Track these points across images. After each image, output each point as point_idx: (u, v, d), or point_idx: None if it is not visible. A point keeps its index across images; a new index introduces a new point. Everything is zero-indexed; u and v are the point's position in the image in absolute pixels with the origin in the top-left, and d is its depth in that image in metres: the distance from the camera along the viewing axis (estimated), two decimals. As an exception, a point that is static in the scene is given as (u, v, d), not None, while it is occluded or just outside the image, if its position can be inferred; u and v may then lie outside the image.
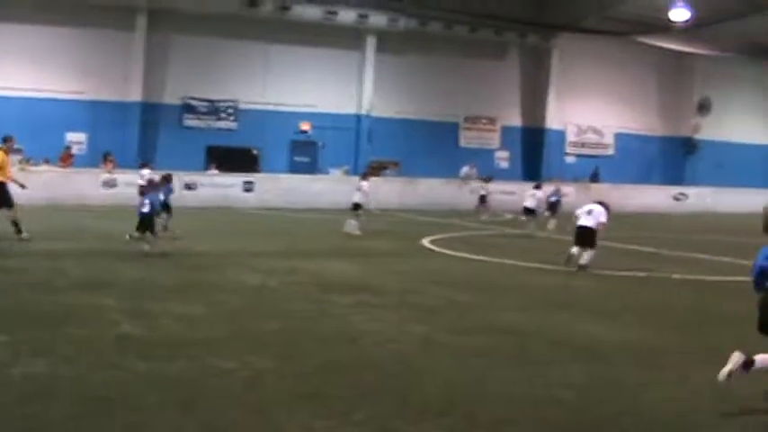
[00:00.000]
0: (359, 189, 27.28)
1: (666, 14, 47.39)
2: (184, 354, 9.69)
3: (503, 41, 51.32)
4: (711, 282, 18.81)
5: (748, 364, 8.16)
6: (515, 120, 54.02)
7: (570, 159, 55.18)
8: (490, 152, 52.74)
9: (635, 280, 18.60)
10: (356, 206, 26.96)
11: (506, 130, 53.54)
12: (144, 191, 21.46)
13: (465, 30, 48.70)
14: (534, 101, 53.89)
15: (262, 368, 9.18)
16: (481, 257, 21.40)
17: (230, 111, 45.63)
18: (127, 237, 19.52)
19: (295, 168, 46.09)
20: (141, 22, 43.08)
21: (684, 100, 59.50)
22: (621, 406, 8.31)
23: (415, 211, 38.76)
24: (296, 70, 46.25)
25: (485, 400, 8.26)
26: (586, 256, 19.46)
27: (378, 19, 46.56)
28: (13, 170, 22.92)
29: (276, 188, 41.42)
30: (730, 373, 8.16)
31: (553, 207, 33.20)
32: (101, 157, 40.17)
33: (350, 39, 47.21)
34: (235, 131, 45.75)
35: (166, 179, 23.92)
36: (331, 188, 41.44)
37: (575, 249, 19.69)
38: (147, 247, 19.09)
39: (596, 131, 56.59)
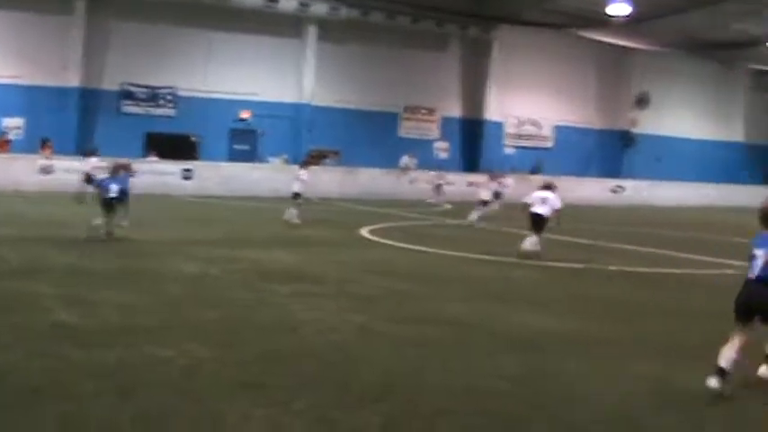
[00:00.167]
0: (298, 178, 27.21)
1: (606, 8, 47.74)
2: (122, 342, 9.61)
3: (444, 33, 51.42)
4: (647, 273, 19.03)
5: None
6: (455, 111, 54.18)
7: (509, 151, 55.48)
8: (429, 142, 52.88)
9: (573, 271, 18.77)
10: (296, 195, 26.90)
11: (446, 121, 53.70)
12: (108, 176, 21.06)
13: (407, 20, 48.73)
14: (474, 92, 54.09)
15: (201, 357, 9.15)
16: (420, 248, 21.46)
17: (170, 98, 45.33)
18: (93, 223, 19.42)
19: (234, 156, 45.90)
20: (80, 6, 42.60)
21: (623, 94, 60.04)
22: (559, 396, 8.39)
23: (354, 201, 38.77)
24: (237, 58, 46.04)
25: (423, 390, 8.30)
26: (534, 241, 20.06)
27: (319, 8, 46.44)
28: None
29: (215, 176, 41.26)
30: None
31: (497, 196, 33.97)
32: (38, 142, 39.73)
33: (291, 27, 47.05)
34: (174, 119, 45.45)
35: (125, 167, 23.39)
36: (270, 176, 41.34)
37: (531, 237, 20.26)
38: (102, 231, 19.14)
39: (535, 124, 56.95)
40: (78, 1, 42.53)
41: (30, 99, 41.83)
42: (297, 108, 47.97)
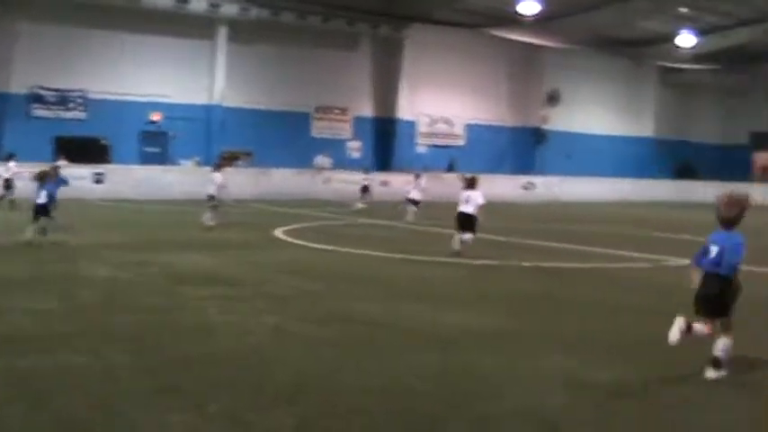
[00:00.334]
0: (212, 181, 27.05)
1: (516, 7, 48.19)
2: (35, 348, 9.53)
3: (355, 32, 51.52)
4: (560, 269, 19.23)
5: (689, 328, 9.13)
6: (367, 110, 54.32)
7: (421, 149, 55.72)
8: (342, 142, 52.96)
9: (487, 268, 18.90)
10: (210, 198, 26.74)
11: (358, 121, 53.81)
12: (40, 182, 20.73)
13: (318, 20, 48.75)
14: (386, 91, 54.27)
15: (116, 362, 9.10)
16: (334, 247, 21.48)
17: (80, 101, 44.88)
18: (28, 234, 19.33)
19: (146, 159, 45.57)
20: (-13, 9, 42.06)
21: (534, 91, 60.68)
22: (475, 393, 8.46)
23: (268, 202, 38.69)
24: (148, 60, 45.71)
25: (338, 390, 8.34)
26: (467, 238, 20.38)
27: (229, 8, 46.27)
28: None
29: (127, 179, 40.93)
30: (681, 334, 9.06)
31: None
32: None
33: (202, 28, 46.81)
34: (85, 122, 45.00)
35: (50, 174, 22.85)
36: (182, 179, 41.15)
37: (456, 239, 20.53)
38: (34, 235, 19.11)
39: (447, 122, 57.28)
40: (-15, 4, 41.97)
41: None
42: (208, 110, 47.75)
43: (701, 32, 55.41)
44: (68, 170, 39.21)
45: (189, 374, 8.75)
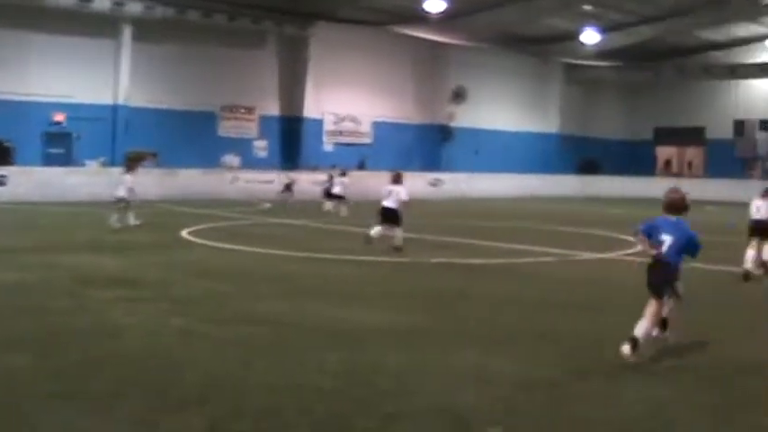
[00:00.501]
0: (123, 183, 26.65)
1: (422, 5, 48.34)
2: (-66, 355, 9.36)
3: (261, 30, 51.23)
4: (467, 264, 19.35)
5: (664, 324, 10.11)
6: (273, 109, 54.07)
7: (328, 148, 55.65)
8: (249, 141, 52.66)
9: (394, 265, 18.96)
10: (120, 200, 26.38)
11: (264, 120, 53.54)
12: None
13: (223, 18, 48.36)
14: (292, 90, 54.09)
15: (18, 366, 8.96)
16: (241, 247, 21.38)
17: (-20, 102, 44.04)
18: None
19: (50, 161, 44.80)
20: None
21: (440, 88, 60.92)
22: (382, 389, 8.50)
23: (174, 202, 38.34)
24: (51, 59, 44.91)
25: (246, 390, 8.31)
26: (398, 233, 20.94)
27: (134, 7, 45.67)
28: None
29: (30, 181, 40.20)
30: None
31: (328, 192, 36.88)
32: None
33: (105, 27, 46.10)
34: (-14, 123, 44.15)
35: None
36: (87, 181, 40.60)
37: (375, 230, 21.13)
38: None
39: (354, 120, 57.26)
40: None
41: None
42: (113, 110, 47.13)
43: (605, 30, 56.10)
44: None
45: (95, 378, 8.63)
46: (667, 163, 72.03)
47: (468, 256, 20.67)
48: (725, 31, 60.88)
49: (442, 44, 57.36)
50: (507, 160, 61.38)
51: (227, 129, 51.89)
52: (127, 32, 46.67)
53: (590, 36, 56.26)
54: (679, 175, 69.57)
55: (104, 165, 44.22)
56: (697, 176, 67.30)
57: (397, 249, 20.63)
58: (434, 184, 54.55)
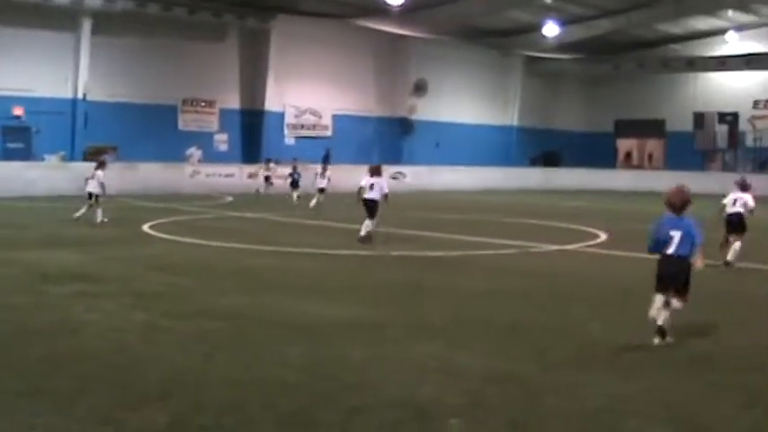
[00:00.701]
0: (93, 177, 26.40)
1: (383, -3, 48.30)
2: None
3: (222, 23, 50.99)
4: (429, 257, 19.39)
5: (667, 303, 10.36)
6: (234, 102, 53.85)
7: (290, 141, 55.51)
8: (209, 135, 52.43)
9: (356, 258, 18.96)
10: (91, 195, 26.19)
11: (225, 113, 53.30)
12: None
13: (184, 11, 48.06)
14: (253, 83, 53.91)
15: (-24, 364, 8.89)
16: (202, 241, 21.31)
17: (-64, 97, 43.59)
18: None
19: (8, 155, 44.42)
20: None
21: (401, 81, 60.87)
22: (345, 382, 8.48)
23: (134, 196, 38.13)
24: (9, 53, 44.43)
25: (209, 385, 8.28)
26: (369, 225, 21.57)
27: (93, 0, 45.38)
28: None
29: (-12, 176, 39.88)
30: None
31: (294, 184, 38.05)
32: None
33: (65, 20, 45.71)
34: (-58, 119, 43.74)
35: None
36: (47, 175, 40.34)
37: (366, 225, 21.71)
38: None
39: (315, 113, 57.14)
40: None
41: None
42: (72, 103, 46.78)
43: (566, 23, 56.27)
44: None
45: (55, 375, 8.56)
46: (628, 155, 72.35)
47: (430, 249, 20.70)
48: (684, 24, 61.23)
49: (403, 37, 57.32)
50: (468, 153, 61.41)
51: (187, 122, 51.62)
52: (86, 26, 46.26)
53: (551, 29, 56.38)
54: (639, 167, 70.09)
55: (64, 159, 43.91)
56: (657, 168, 67.76)
57: (363, 241, 21.04)
58: (396, 177, 54.53)
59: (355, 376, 8.72)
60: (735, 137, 65.03)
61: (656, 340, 10.26)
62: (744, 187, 18.74)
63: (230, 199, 38.95)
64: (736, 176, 21.61)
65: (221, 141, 53.06)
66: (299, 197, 36.75)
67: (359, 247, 20.28)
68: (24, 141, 45.04)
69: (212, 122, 52.79)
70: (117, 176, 41.34)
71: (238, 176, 46.94)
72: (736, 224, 18.12)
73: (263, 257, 18.87)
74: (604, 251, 20.98)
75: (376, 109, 60.29)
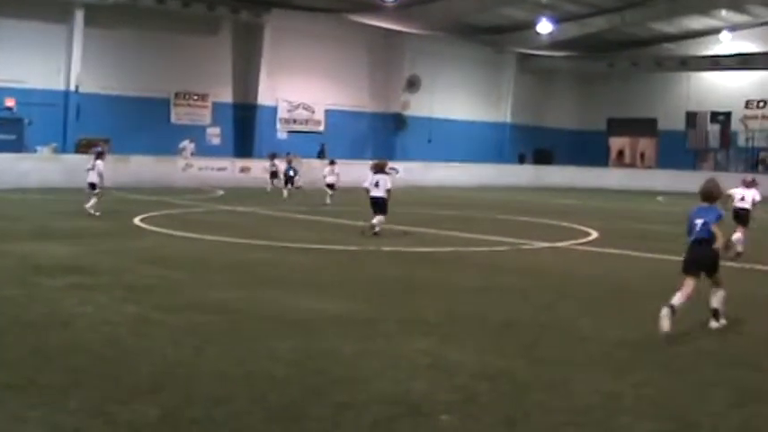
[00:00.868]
0: (93, 168, 26.37)
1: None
2: None
3: (216, 16, 50.97)
4: (420, 253, 19.40)
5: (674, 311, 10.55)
6: (227, 96, 53.83)
7: (282, 136, 55.50)
8: (202, 128, 52.40)
9: (347, 254, 18.97)
10: (92, 186, 26.18)
11: (218, 107, 53.28)
12: None
13: (177, 4, 47.99)
14: (246, 77, 53.88)
15: (-33, 356, 8.87)
16: (193, 235, 21.28)
17: (-72, 88, 43.49)
18: None
19: (0, 147, 44.35)
20: None
21: (394, 77, 60.88)
22: (336, 377, 8.47)
23: (126, 189, 38.00)
24: (1, 44, 44.43)
25: (199, 378, 8.28)
26: (377, 221, 21.78)
27: (86, -9, 45.32)
28: None
29: (-21, 168, 39.78)
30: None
31: (290, 180, 37.67)
32: None
33: (57, 12, 45.67)
34: (-66, 109, 43.63)
35: None
36: (39, 167, 40.29)
37: (377, 220, 21.93)
38: None
39: (308, 108, 57.13)
40: None
41: None
42: (65, 95, 46.70)
43: (560, 20, 56.30)
44: None
45: (46, 368, 8.54)
46: (620, 153, 72.46)
47: (422, 245, 20.73)
48: (678, 23, 61.33)
49: (396, 32, 57.32)
50: (461, 149, 61.45)
51: (180, 116, 51.60)
52: (79, 17, 46.18)
53: (545, 26, 56.38)
54: (632, 165, 70.20)
55: (56, 151, 43.85)
56: (649, 167, 67.97)
57: (376, 234, 21.60)
58: (389, 172, 54.47)
59: (346, 371, 8.72)
60: (727, 136, 65.21)
61: (713, 324, 11.12)
62: (749, 186, 19.89)
63: (222, 192, 38.91)
64: (733, 176, 22.13)
65: (214, 135, 53.05)
66: (289, 191, 36.74)
67: (351, 242, 20.28)
68: (16, 133, 44.89)
69: (205, 116, 52.77)
70: (109, 169, 41.27)
71: (230, 170, 46.96)
72: (742, 218, 19.32)
73: (254, 251, 18.84)
74: (596, 249, 20.99)
75: (369, 104, 60.31)
